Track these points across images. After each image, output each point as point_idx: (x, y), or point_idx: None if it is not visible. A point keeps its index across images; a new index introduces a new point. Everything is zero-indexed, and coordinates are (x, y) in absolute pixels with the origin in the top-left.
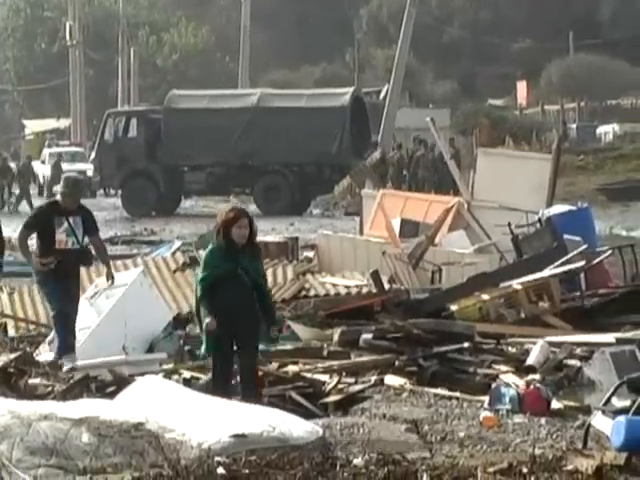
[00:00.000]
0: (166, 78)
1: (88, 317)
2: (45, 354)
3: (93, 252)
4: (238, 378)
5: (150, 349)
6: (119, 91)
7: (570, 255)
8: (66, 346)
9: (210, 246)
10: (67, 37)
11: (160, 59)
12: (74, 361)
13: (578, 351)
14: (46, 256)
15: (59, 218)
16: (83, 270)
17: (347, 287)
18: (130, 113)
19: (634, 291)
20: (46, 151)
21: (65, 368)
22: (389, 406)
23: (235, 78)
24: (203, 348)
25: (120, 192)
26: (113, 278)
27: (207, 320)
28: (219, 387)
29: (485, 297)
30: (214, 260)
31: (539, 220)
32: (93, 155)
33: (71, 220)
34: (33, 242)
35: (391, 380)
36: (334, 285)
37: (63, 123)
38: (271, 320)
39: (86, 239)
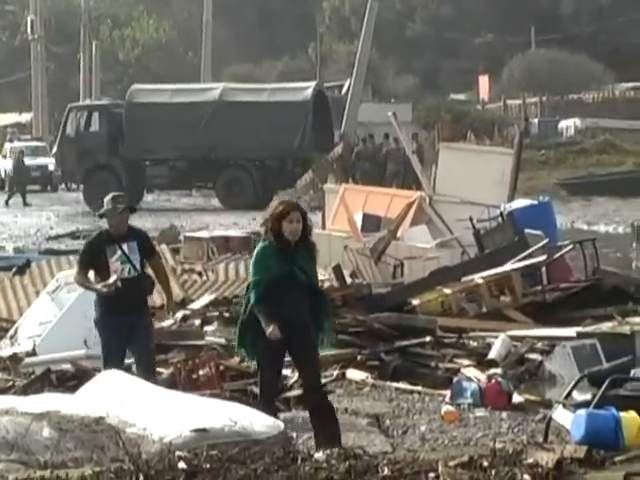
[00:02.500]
0: (128, 72)
1: (49, 311)
2: (5, 349)
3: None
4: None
5: None
6: (81, 85)
7: (531, 249)
8: None
9: (260, 244)
10: (29, 31)
11: (122, 53)
12: None
13: (539, 345)
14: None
15: (111, 246)
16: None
17: None
18: (92, 107)
19: (595, 285)
20: (7, 145)
21: None
22: (351, 400)
23: (197, 72)
24: (242, 352)
25: (82, 186)
26: (174, 311)
27: (269, 329)
28: (268, 405)
29: (447, 291)
30: (266, 260)
31: (501, 214)
32: (55, 149)
33: (125, 246)
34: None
35: (353, 374)
36: None
37: (25, 117)
38: (321, 326)
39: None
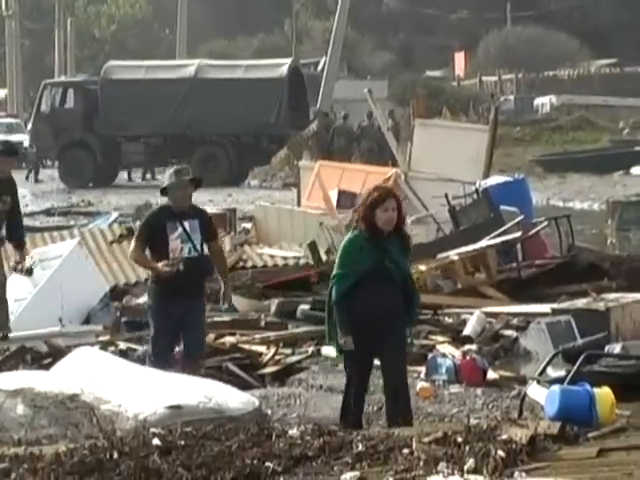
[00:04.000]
0: (104, 49)
1: (24, 289)
2: None
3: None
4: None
5: (86, 321)
6: (56, 62)
7: (507, 226)
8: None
9: (349, 234)
10: (3, 7)
11: (97, 29)
12: None
13: (514, 322)
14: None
15: (172, 223)
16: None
17: (284, 258)
18: (67, 84)
19: (570, 262)
20: None
21: None
22: (326, 377)
23: (173, 49)
24: (334, 349)
25: (57, 163)
26: (230, 300)
27: (343, 340)
28: (349, 413)
29: (422, 268)
30: (354, 253)
31: (476, 191)
32: (30, 126)
33: (186, 224)
34: None
35: (328, 351)
36: (271, 256)
37: None
38: (410, 323)
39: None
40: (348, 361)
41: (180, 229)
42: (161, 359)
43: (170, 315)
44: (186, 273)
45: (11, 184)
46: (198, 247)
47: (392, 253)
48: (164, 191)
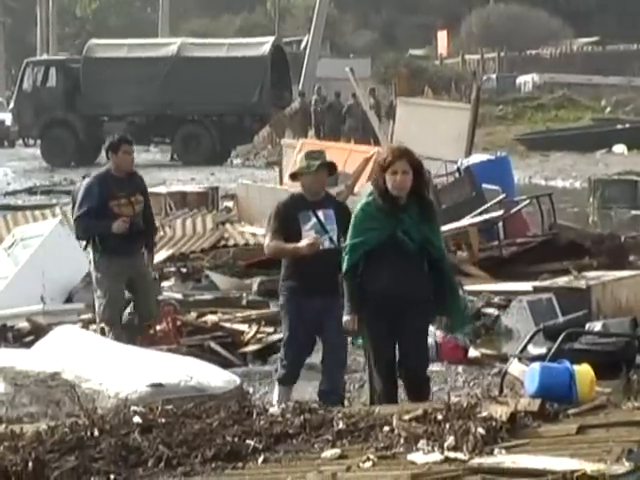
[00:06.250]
0: (85, 27)
1: (6, 267)
2: None
3: None
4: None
5: (68, 299)
6: (38, 40)
7: (489, 204)
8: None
9: (362, 201)
10: None
11: (79, 8)
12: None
13: (496, 300)
14: (295, 265)
15: (305, 212)
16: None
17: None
18: (49, 62)
19: (551, 240)
20: None
21: (276, 399)
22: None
23: (156, 27)
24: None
25: (39, 142)
26: None
27: (346, 317)
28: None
29: None
30: (367, 221)
31: (458, 169)
32: (12, 104)
33: (320, 214)
34: None
35: None
36: (253, 235)
37: None
38: (443, 307)
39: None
40: (368, 344)
41: (314, 219)
42: (294, 363)
43: (304, 313)
44: (321, 267)
45: (137, 181)
46: (335, 239)
47: (406, 223)
48: (294, 176)
